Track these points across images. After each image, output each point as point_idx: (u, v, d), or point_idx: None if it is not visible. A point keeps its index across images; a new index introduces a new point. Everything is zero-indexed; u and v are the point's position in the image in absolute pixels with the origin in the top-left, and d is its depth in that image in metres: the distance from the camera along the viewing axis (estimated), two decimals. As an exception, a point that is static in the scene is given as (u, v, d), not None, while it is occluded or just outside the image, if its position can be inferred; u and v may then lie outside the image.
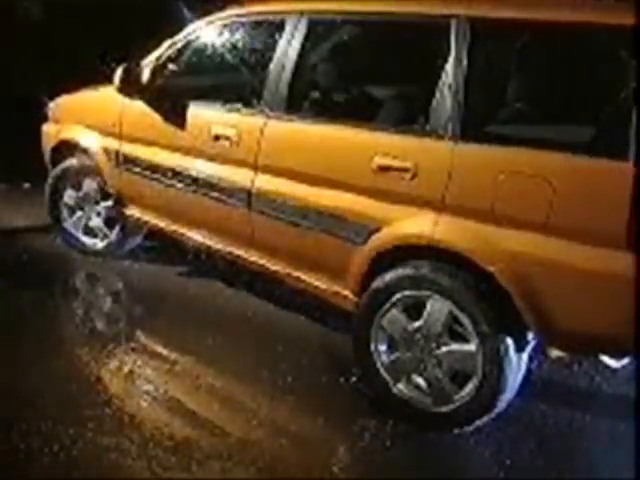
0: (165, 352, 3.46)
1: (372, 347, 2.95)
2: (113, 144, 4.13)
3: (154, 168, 3.91)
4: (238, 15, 3.65)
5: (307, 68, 3.46)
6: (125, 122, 4.06)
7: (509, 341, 2.63)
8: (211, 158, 3.59)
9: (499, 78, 2.80)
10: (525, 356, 2.73)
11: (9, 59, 6.61)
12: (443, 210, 2.71)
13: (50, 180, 4.54)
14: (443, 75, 2.76)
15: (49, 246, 4.62)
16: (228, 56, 3.85)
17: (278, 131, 3.29)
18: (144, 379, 3.22)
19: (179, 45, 3.86)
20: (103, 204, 4.36)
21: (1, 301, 3.87)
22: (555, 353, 2.77)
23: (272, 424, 2.91)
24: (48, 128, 4.67)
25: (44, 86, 4.94)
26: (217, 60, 3.90)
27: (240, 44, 3.80)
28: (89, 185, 4.38)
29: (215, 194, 3.57)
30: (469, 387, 2.73)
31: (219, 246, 3.70)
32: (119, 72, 3.89)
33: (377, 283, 2.89)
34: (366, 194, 2.93)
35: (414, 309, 2.82)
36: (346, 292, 3.12)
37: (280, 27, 3.35)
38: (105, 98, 4.21)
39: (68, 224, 4.52)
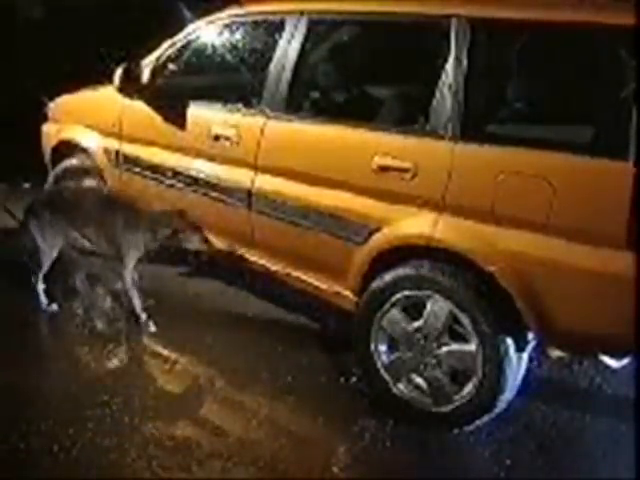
0: (165, 352, 3.46)
1: (372, 347, 2.95)
2: (113, 144, 4.14)
3: (154, 168, 3.91)
4: (238, 15, 3.65)
5: (307, 68, 3.46)
6: (125, 122, 4.06)
7: (509, 341, 2.63)
8: (211, 158, 3.59)
9: (499, 78, 2.80)
10: (525, 356, 2.73)
11: (9, 59, 6.61)
12: (443, 210, 2.71)
13: (50, 180, 4.54)
14: (443, 75, 2.75)
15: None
16: (228, 56, 3.86)
17: (278, 131, 3.29)
18: (144, 379, 3.22)
19: (179, 45, 3.86)
20: (103, 204, 4.35)
21: (1, 301, 3.87)
22: (555, 353, 2.77)
23: (272, 424, 2.91)
24: (48, 128, 4.67)
25: (44, 86, 4.94)
26: (217, 60, 3.90)
27: (240, 44, 3.81)
28: (89, 185, 4.38)
29: (215, 194, 3.57)
30: (469, 387, 2.73)
31: (219, 246, 3.70)
32: (119, 72, 3.89)
33: (377, 283, 2.89)
34: (366, 194, 2.93)
35: (414, 309, 2.82)
36: (346, 292, 3.12)
37: (280, 27, 3.35)
38: (105, 98, 4.21)
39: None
